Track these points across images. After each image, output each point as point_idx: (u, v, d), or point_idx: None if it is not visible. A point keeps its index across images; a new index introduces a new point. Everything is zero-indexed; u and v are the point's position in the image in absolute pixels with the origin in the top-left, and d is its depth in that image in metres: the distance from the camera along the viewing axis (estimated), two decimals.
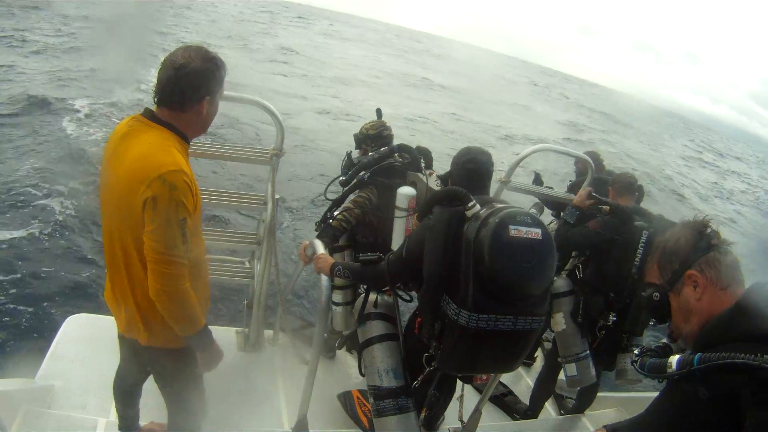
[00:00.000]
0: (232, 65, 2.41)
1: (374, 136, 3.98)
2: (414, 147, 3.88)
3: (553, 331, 4.25)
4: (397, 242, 3.32)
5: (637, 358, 1.73)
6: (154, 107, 2.31)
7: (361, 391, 4.00)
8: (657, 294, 1.74)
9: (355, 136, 4.09)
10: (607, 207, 3.95)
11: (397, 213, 3.29)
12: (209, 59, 2.26)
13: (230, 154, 3.80)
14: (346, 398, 4.02)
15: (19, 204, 7.94)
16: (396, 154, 3.81)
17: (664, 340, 1.82)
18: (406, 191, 3.27)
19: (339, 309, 3.62)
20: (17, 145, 9.89)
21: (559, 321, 4.12)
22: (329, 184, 3.91)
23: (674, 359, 1.55)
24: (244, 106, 3.71)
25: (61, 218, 7.80)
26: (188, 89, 2.23)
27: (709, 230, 1.70)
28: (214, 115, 2.42)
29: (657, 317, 1.80)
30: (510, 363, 2.67)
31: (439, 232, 2.43)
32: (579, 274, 4.28)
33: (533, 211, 2.74)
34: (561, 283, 4.22)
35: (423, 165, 3.77)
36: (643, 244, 3.79)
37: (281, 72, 25.53)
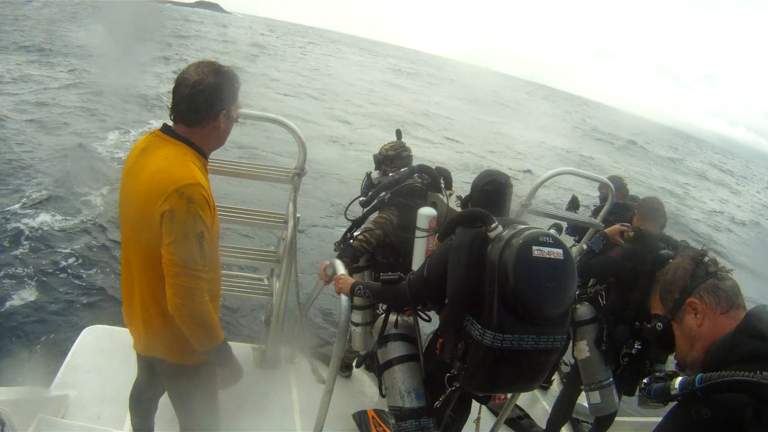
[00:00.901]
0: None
1: (393, 157, 3.99)
2: (434, 167, 3.90)
3: (575, 359, 4.20)
4: (417, 262, 3.35)
5: (645, 387, 1.71)
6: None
7: (376, 411, 4.01)
8: (660, 324, 1.80)
9: (375, 156, 4.12)
10: (631, 233, 3.92)
11: (418, 233, 3.33)
12: (222, 74, 2.27)
13: (252, 172, 3.80)
14: (361, 418, 4.01)
15: (40, 215, 8.04)
16: (416, 175, 3.83)
17: (673, 368, 1.83)
18: (426, 212, 3.30)
19: (358, 329, 3.60)
20: (45, 157, 10.02)
21: (583, 349, 4.07)
22: (349, 205, 3.94)
23: (677, 381, 1.55)
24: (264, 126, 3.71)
25: (81, 231, 7.91)
26: (204, 106, 2.24)
27: (706, 258, 1.76)
28: (231, 129, 2.43)
29: (662, 347, 1.89)
30: (531, 382, 2.67)
31: (463, 252, 2.45)
32: (602, 301, 4.23)
33: (553, 231, 2.75)
34: (584, 310, 4.16)
35: (443, 185, 3.80)
36: None
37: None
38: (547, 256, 2.35)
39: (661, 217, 4.10)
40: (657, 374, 1.72)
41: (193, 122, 2.27)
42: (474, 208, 2.68)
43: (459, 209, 3.42)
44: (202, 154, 2.36)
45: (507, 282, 2.31)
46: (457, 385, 2.65)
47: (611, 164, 29.86)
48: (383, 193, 3.75)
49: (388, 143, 4.10)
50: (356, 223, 3.85)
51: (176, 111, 2.28)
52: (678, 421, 1.57)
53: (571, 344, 4.25)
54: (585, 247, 4.47)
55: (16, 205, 8.23)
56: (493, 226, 2.47)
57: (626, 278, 3.91)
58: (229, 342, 2.49)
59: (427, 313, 3.09)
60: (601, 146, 38.73)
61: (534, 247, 2.33)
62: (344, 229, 3.94)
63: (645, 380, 1.74)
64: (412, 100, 36.34)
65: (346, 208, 3.94)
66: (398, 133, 4.24)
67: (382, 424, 3.89)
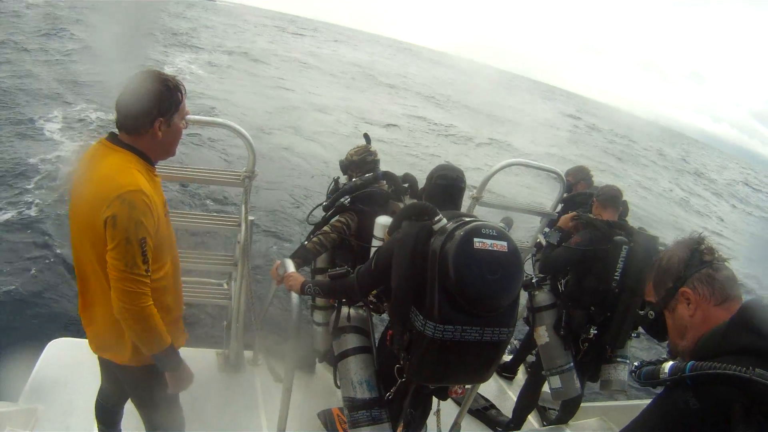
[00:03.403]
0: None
1: (359, 162, 4.01)
2: (402, 174, 3.96)
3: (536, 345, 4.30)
4: None
5: (636, 370, 1.72)
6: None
7: (341, 409, 3.99)
8: (652, 312, 1.77)
9: (341, 162, 4.14)
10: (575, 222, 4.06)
11: (375, 242, 3.34)
12: (160, 81, 2.29)
13: (203, 177, 3.84)
14: (326, 416, 4.06)
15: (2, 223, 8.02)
16: (383, 181, 3.89)
17: (664, 356, 1.80)
18: (383, 221, 3.29)
19: (320, 329, 3.65)
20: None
21: (542, 334, 4.15)
22: (312, 210, 4.03)
23: (667, 365, 1.55)
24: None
25: (43, 241, 7.84)
26: (139, 112, 2.27)
27: (702, 246, 1.71)
28: (176, 139, 2.45)
29: (654, 335, 1.82)
30: (480, 374, 2.70)
31: (406, 245, 2.48)
32: (561, 287, 4.32)
33: (501, 224, 2.82)
34: (543, 297, 4.25)
35: (409, 193, 3.84)
36: (623, 259, 3.81)
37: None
38: (490, 248, 2.36)
39: (620, 204, 4.22)
40: (646, 361, 1.72)
41: (131, 129, 2.31)
42: (419, 201, 2.75)
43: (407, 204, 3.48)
44: (148, 161, 2.39)
45: (447, 274, 2.34)
46: (405, 377, 2.68)
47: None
48: (344, 198, 3.80)
49: (354, 148, 4.10)
50: (318, 227, 3.88)
51: (117, 118, 2.32)
52: (664, 408, 1.55)
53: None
54: (543, 242, 4.56)
55: None
56: (437, 218, 2.51)
57: (583, 264, 4.00)
58: (192, 348, 2.52)
59: (381, 305, 3.10)
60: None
61: (475, 239, 2.35)
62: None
63: (636, 363, 1.73)
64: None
65: (309, 213, 4.03)
66: (366, 137, 4.24)
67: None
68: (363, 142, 4.15)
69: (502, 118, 35.01)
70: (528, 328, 4.93)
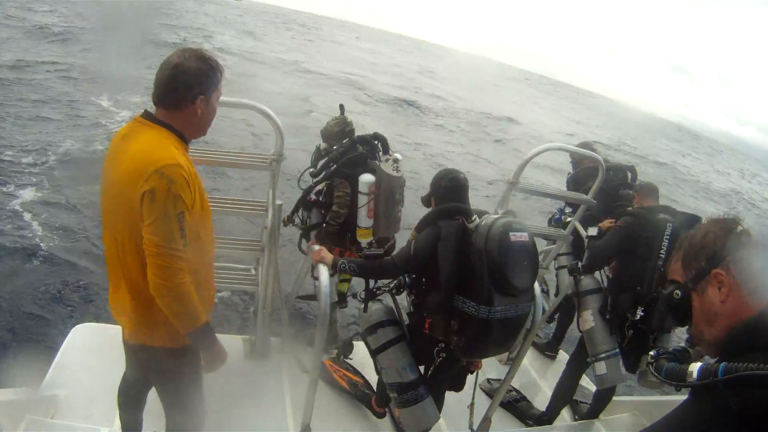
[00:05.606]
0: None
1: (338, 133, 4.49)
2: (372, 134, 4.55)
3: (581, 331, 4.25)
4: (362, 220, 4.22)
5: (653, 360, 1.60)
6: (153, 109, 2.38)
7: (331, 359, 4.42)
8: (678, 292, 1.59)
9: (322, 131, 4.60)
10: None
11: (361, 199, 4.16)
12: (204, 59, 2.32)
13: (230, 160, 3.78)
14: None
15: (26, 210, 8.03)
16: (359, 145, 4.42)
17: (683, 345, 1.70)
18: (366, 179, 4.12)
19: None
20: (26, 150, 10.04)
21: (588, 319, 4.17)
22: (301, 175, 4.56)
23: (695, 367, 1.41)
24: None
25: (69, 226, 7.86)
26: (181, 88, 2.29)
27: (739, 228, 1.54)
28: (212, 117, 2.47)
29: (677, 318, 1.64)
30: (512, 342, 3.22)
31: (451, 243, 2.94)
32: (605, 273, 4.34)
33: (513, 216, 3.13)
34: (588, 281, 4.28)
35: (381, 150, 4.47)
36: (667, 237, 3.84)
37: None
38: (520, 239, 2.89)
39: (658, 195, 4.27)
40: (664, 350, 1.62)
41: (171, 105, 2.32)
42: (453, 204, 3.13)
43: (395, 173, 4.14)
44: (183, 138, 2.39)
45: (494, 264, 2.82)
46: (444, 356, 3.14)
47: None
48: (331, 165, 4.33)
49: (333, 119, 4.55)
50: (308, 191, 4.44)
51: (156, 93, 2.33)
52: (699, 412, 1.43)
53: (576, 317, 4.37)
54: (580, 229, 4.63)
55: None
56: (473, 218, 3.00)
57: (627, 248, 3.99)
58: (220, 334, 2.50)
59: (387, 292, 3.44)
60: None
61: (510, 233, 2.86)
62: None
63: (652, 353, 1.63)
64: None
65: (299, 178, 4.55)
66: (341, 108, 4.62)
67: (340, 369, 4.35)
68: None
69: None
70: (561, 304, 5.16)
